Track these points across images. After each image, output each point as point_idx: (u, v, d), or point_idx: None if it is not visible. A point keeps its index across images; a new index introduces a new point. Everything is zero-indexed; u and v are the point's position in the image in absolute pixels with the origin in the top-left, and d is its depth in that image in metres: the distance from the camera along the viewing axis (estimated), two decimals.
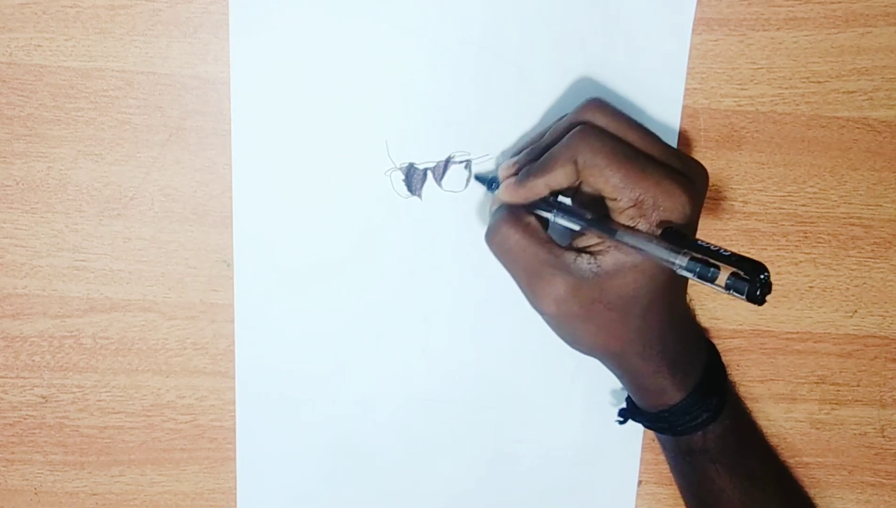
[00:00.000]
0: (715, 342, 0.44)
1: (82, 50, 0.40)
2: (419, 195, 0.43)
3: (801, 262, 0.45)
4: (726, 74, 0.42)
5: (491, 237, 0.37)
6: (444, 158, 0.42)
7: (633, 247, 0.34)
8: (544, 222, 0.38)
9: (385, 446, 0.46)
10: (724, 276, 0.31)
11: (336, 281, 0.44)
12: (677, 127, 0.42)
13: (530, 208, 0.37)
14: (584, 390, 0.46)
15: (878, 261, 0.45)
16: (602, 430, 0.46)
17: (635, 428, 0.45)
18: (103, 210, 0.43)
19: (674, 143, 0.42)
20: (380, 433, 0.46)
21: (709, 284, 0.32)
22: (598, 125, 0.35)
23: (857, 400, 0.47)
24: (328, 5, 0.40)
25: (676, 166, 0.35)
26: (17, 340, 0.44)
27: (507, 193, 0.37)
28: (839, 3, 0.41)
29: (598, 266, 0.35)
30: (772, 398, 0.47)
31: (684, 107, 0.42)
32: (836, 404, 0.47)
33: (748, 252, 0.44)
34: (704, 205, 0.44)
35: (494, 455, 0.47)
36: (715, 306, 0.45)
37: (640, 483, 0.48)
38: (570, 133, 0.35)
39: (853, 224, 0.45)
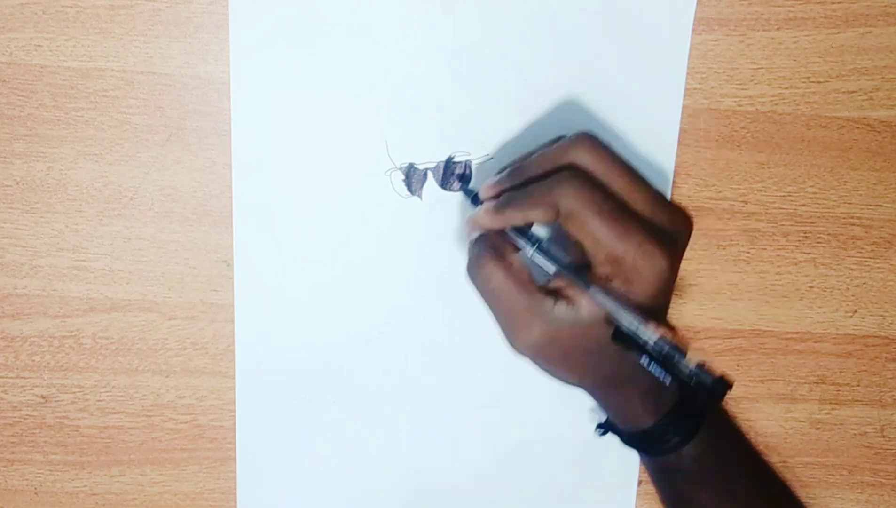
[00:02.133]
0: (715, 342, 0.44)
1: (82, 50, 0.40)
2: (419, 195, 0.43)
3: (801, 262, 0.45)
4: (726, 74, 0.42)
5: (474, 272, 0.37)
6: (444, 158, 0.42)
7: (603, 307, 0.34)
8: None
9: (384, 446, 0.46)
10: (692, 361, 0.32)
11: (336, 281, 0.44)
12: (677, 127, 0.42)
13: (510, 238, 0.37)
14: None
15: (878, 261, 0.45)
16: None
17: None
18: (103, 210, 0.43)
19: (674, 143, 0.43)
20: (379, 433, 0.46)
21: (667, 373, 0.33)
22: (585, 168, 0.34)
23: (857, 400, 0.47)
24: (328, 5, 0.40)
25: (661, 222, 0.34)
26: (17, 340, 0.44)
27: (486, 218, 0.37)
28: (839, 3, 0.41)
29: (576, 315, 0.35)
30: (772, 398, 0.47)
31: (684, 107, 0.42)
32: (836, 404, 0.47)
33: (748, 252, 0.45)
34: (705, 205, 0.44)
35: (494, 456, 0.47)
36: (715, 305, 0.45)
37: (640, 483, 0.48)
38: (557, 176, 0.34)
39: (853, 224, 0.45)
